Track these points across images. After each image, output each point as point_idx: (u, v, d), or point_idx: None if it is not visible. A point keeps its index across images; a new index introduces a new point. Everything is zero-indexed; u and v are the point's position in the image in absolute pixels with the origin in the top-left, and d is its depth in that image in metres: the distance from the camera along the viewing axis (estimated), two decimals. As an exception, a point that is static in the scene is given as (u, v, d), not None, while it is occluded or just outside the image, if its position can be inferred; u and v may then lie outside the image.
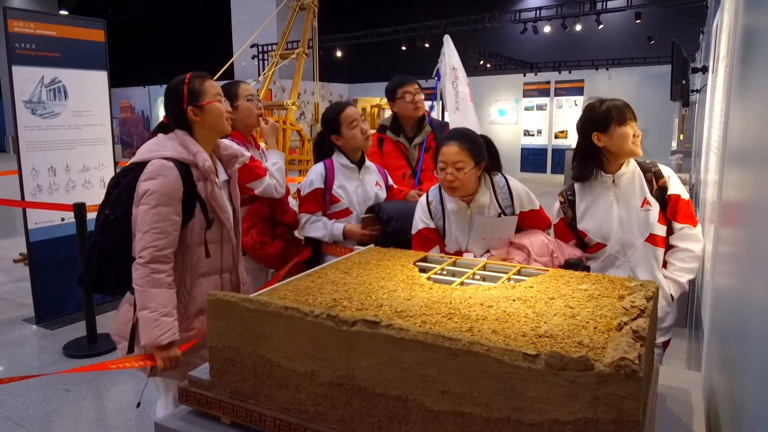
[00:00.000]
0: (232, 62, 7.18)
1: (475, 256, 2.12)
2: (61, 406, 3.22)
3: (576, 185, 2.23)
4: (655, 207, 2.12)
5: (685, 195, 2.15)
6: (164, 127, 2.06)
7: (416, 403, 1.06)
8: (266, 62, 13.97)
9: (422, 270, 1.62)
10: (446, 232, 2.21)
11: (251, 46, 13.94)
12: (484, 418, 1.00)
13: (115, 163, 4.95)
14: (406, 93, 3.08)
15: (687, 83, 4.98)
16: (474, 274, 1.60)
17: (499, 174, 2.24)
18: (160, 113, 19.80)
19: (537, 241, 2.11)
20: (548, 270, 1.59)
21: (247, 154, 2.34)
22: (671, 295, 2.14)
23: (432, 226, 2.22)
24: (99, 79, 4.68)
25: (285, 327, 1.18)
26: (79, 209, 3.88)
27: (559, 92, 15.30)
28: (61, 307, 4.57)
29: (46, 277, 4.47)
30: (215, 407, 1.29)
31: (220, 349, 1.28)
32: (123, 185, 1.96)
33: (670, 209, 2.14)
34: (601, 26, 12.35)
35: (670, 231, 2.17)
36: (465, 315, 1.23)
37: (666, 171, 2.18)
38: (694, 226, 2.14)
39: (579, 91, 14.95)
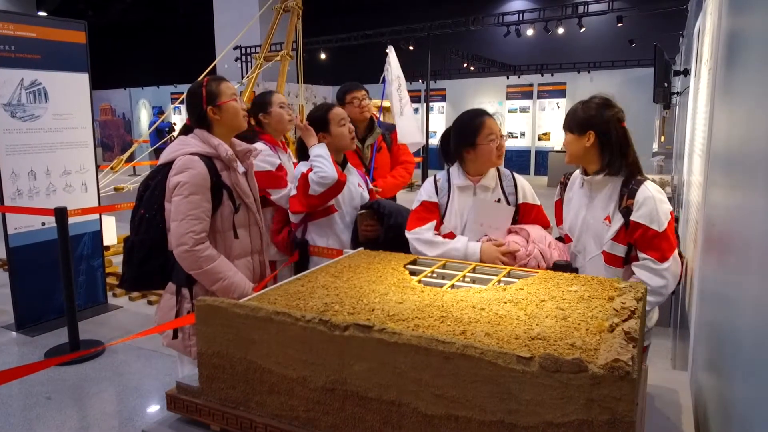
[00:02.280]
0: (216, 64, 7.12)
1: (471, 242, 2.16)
2: (43, 414, 3.16)
3: (576, 171, 2.22)
4: (615, 225, 1.96)
5: (656, 225, 1.88)
6: (188, 129, 2.23)
7: (410, 408, 1.06)
8: (250, 64, 13.90)
9: (412, 273, 1.62)
10: (448, 208, 2.26)
11: (234, 48, 13.85)
12: (478, 422, 1.00)
13: (97, 167, 4.87)
14: (354, 98, 3.30)
15: (669, 86, 5.06)
16: (464, 276, 1.60)
17: (505, 168, 2.34)
18: (142, 116, 19.71)
19: (536, 229, 2.14)
20: (537, 272, 1.60)
21: (261, 148, 2.53)
22: None
23: (435, 200, 2.27)
24: (80, 81, 4.62)
25: (276, 332, 1.17)
26: (60, 214, 3.81)
27: (541, 95, 15.48)
28: (41, 314, 4.49)
29: (26, 283, 4.38)
30: (204, 414, 1.27)
31: (209, 355, 1.26)
32: (154, 185, 2.13)
33: (630, 233, 1.94)
34: (583, 29, 12.49)
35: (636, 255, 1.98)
36: (457, 318, 1.22)
37: (642, 194, 1.92)
38: (661, 261, 1.87)
39: (561, 94, 15.13)
